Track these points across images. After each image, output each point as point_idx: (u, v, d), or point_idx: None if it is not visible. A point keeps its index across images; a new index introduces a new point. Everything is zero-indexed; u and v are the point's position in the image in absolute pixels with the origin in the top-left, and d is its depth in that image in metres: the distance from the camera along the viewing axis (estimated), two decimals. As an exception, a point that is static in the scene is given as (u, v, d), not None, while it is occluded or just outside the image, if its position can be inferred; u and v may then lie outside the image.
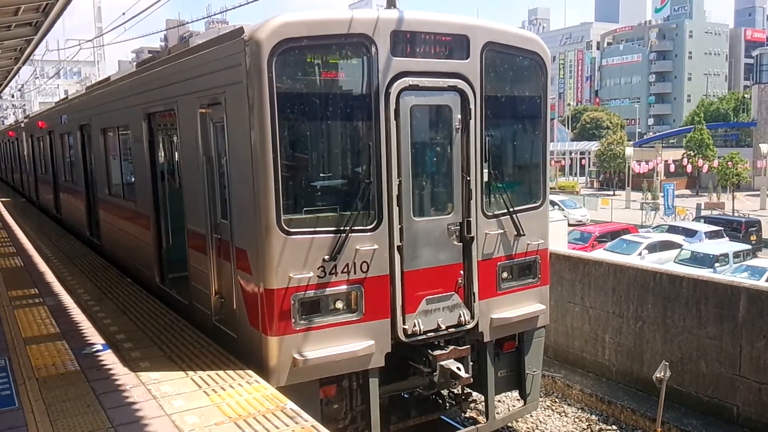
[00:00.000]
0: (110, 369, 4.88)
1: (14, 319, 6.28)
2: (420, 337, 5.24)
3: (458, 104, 5.31)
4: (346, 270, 4.89)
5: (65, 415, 4.10)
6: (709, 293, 7.26)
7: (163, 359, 5.07)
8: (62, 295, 7.25)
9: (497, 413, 6.20)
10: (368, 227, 4.98)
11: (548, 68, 5.96)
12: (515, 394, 6.99)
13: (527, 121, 6.07)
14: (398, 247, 5.08)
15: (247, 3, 9.44)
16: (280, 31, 4.56)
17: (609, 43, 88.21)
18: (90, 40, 24.18)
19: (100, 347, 5.39)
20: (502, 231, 5.65)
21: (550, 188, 6.51)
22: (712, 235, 22.42)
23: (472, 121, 5.35)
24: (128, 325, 5.99)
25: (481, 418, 6.98)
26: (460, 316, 5.42)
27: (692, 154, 43.86)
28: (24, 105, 51.19)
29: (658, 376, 6.24)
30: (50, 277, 8.22)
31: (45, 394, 4.44)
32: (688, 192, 45.65)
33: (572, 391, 8.39)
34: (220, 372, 4.77)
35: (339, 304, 4.90)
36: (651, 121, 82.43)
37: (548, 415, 8.03)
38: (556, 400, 8.42)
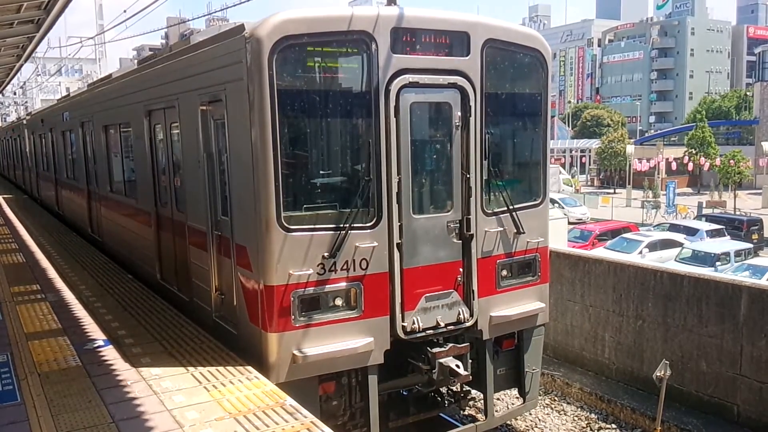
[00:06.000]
0: (111, 364, 4.91)
1: (16, 315, 6.32)
2: (419, 335, 5.25)
3: (458, 101, 5.31)
4: (345, 267, 4.90)
5: (67, 410, 4.13)
6: (710, 292, 7.27)
7: (164, 355, 5.09)
8: (64, 291, 7.28)
9: (496, 411, 6.22)
10: (368, 224, 4.99)
11: (549, 65, 5.95)
12: (514, 392, 7.00)
13: (527, 118, 6.07)
14: (398, 244, 5.09)
15: (248, 0, 9.44)
16: (280, 29, 4.57)
17: (610, 40, 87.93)
18: (91, 38, 24.19)
19: (101, 343, 5.42)
20: (501, 229, 5.65)
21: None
22: (713, 234, 22.36)
23: (472, 119, 5.35)
24: (129, 321, 6.01)
25: (480, 416, 7.01)
26: (459, 314, 5.43)
27: (694, 152, 43.72)
28: (26, 102, 51.25)
29: (658, 374, 6.25)
30: (52, 273, 8.25)
31: (47, 389, 4.47)
32: (689, 190, 45.54)
33: (572, 390, 8.40)
34: (221, 368, 4.79)
35: (338, 301, 4.91)
36: (652, 119, 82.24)
37: (547, 414, 8.05)
38: (556, 398, 8.43)
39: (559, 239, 11.59)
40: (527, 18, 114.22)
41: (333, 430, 3.92)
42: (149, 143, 7.06)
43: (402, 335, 5.17)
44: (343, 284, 4.92)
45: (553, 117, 40.54)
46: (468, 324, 5.50)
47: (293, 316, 4.76)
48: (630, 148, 42.12)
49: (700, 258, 17.96)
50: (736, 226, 24.69)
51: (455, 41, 5.27)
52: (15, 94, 49.93)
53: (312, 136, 5.02)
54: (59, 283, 7.65)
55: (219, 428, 3.86)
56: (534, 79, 5.95)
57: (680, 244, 19.86)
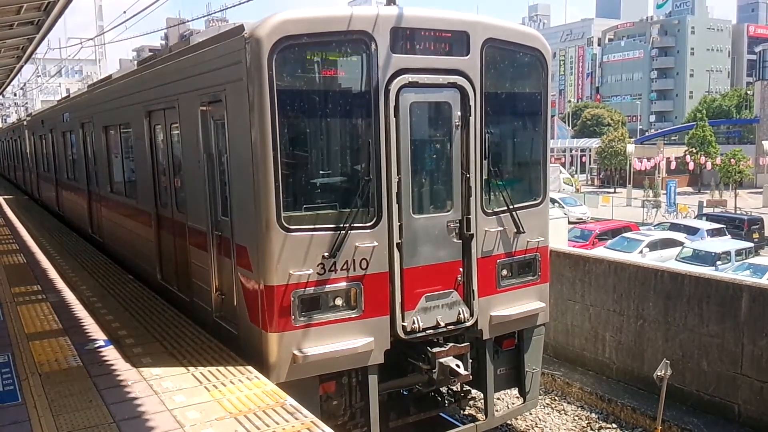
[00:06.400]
0: (112, 365, 4.91)
1: (17, 316, 6.32)
2: (419, 335, 5.26)
3: (458, 101, 5.31)
4: (345, 267, 4.91)
5: (68, 410, 4.14)
6: (711, 291, 7.26)
7: (165, 355, 5.10)
8: (64, 291, 7.29)
9: (496, 411, 6.22)
10: (368, 224, 4.99)
11: (549, 65, 5.95)
12: (514, 391, 7.00)
13: (527, 118, 6.06)
14: (398, 244, 5.09)
15: (247, 0, 9.46)
16: (280, 29, 4.57)
17: (610, 40, 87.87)
18: (91, 39, 24.21)
19: (102, 343, 5.43)
20: (501, 228, 5.65)
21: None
22: (714, 233, 22.34)
23: (471, 118, 5.35)
24: (130, 321, 6.02)
25: (480, 416, 7.01)
26: (459, 314, 5.43)
27: (694, 151, 43.70)
28: (26, 103, 51.34)
29: (658, 374, 6.24)
30: (53, 273, 8.26)
31: (48, 389, 4.48)
32: (690, 189, 45.51)
33: (572, 389, 8.40)
34: (221, 368, 4.80)
35: (338, 301, 4.92)
36: (653, 118, 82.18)
37: (548, 413, 8.05)
38: (556, 398, 8.43)
39: (559, 239, 11.57)
40: (527, 17, 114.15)
41: (333, 429, 3.92)
42: (149, 144, 7.06)
43: (402, 335, 5.18)
44: (343, 284, 4.92)
45: (553, 116, 40.50)
46: (468, 324, 5.50)
47: (293, 316, 4.76)
48: (630, 148, 42.09)
49: (700, 257, 17.94)
50: (736, 225, 24.66)
51: (455, 41, 5.27)
52: (15, 95, 50.00)
53: (312, 136, 5.02)
54: (60, 284, 7.66)
55: (219, 428, 3.87)
56: (534, 78, 5.94)
57: (681, 244, 19.85)
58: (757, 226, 24.99)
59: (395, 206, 5.04)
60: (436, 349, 5.34)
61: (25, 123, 19.93)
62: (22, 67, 16.62)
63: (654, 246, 19.42)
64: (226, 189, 5.28)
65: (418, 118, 5.23)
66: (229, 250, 5.31)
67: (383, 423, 5.42)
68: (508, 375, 6.23)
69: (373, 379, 5.16)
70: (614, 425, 7.64)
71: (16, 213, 15.36)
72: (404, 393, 6.02)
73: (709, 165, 41.30)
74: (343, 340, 4.92)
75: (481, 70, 5.36)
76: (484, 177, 5.51)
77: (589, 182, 52.46)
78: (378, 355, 5.09)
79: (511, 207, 5.65)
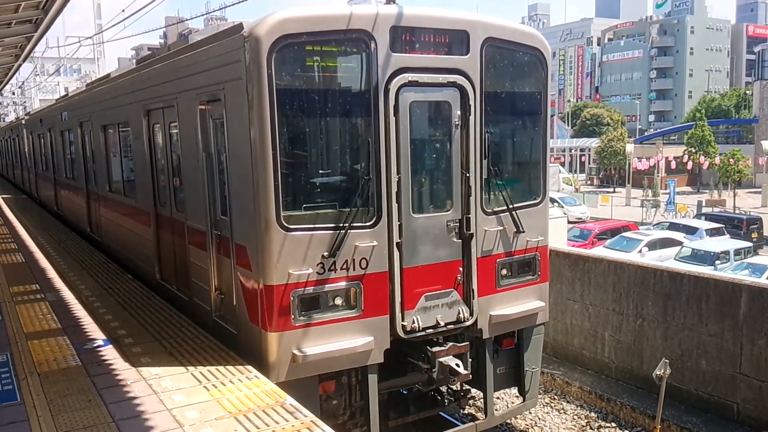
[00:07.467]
0: (111, 364, 4.91)
1: (16, 315, 6.31)
2: (419, 334, 5.25)
3: (458, 100, 5.30)
4: (345, 266, 4.90)
5: (67, 409, 4.13)
6: (710, 290, 7.27)
7: (164, 355, 5.09)
8: (63, 290, 7.27)
9: (496, 410, 6.22)
10: (367, 224, 4.98)
11: (548, 64, 5.95)
12: (514, 390, 7.00)
13: (527, 117, 6.06)
14: (397, 243, 5.08)
15: (248, -1, 9.45)
16: (279, 27, 4.56)
17: (609, 39, 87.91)
18: (90, 37, 24.15)
19: (101, 342, 5.42)
20: (501, 228, 5.65)
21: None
22: (713, 233, 22.38)
23: (471, 118, 5.35)
24: (129, 321, 6.01)
25: (480, 415, 7.01)
26: (459, 313, 5.43)
27: (693, 150, 43.76)
28: (24, 102, 51.29)
29: (658, 373, 6.25)
30: (51, 272, 8.25)
31: (47, 389, 4.47)
32: (689, 189, 45.56)
33: (571, 389, 8.41)
34: (221, 367, 4.79)
35: (338, 301, 4.91)
36: (652, 118, 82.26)
37: (547, 412, 8.05)
38: (555, 397, 8.44)
39: (558, 238, 11.59)
40: (527, 17, 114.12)
41: (333, 429, 3.91)
42: (148, 143, 7.05)
43: (402, 334, 5.17)
44: (342, 284, 4.92)
45: (552, 116, 40.44)
46: (468, 323, 5.50)
47: (293, 316, 4.76)
48: (629, 147, 42.12)
49: (699, 257, 17.96)
50: (735, 225, 24.70)
51: (455, 40, 5.27)
52: (14, 94, 49.95)
53: (311, 135, 5.01)
54: (58, 283, 7.64)
55: (219, 427, 3.86)
56: (534, 77, 5.94)
57: (680, 243, 19.87)
58: (755, 226, 25.02)
59: (395, 206, 5.03)
60: (435, 349, 5.33)
61: (23, 122, 19.89)
62: (20, 65, 16.58)
63: (653, 245, 19.43)
64: (225, 188, 5.27)
65: (418, 118, 5.22)
66: (228, 249, 5.31)
67: (383, 422, 5.41)
68: (508, 374, 6.23)
69: (372, 379, 5.16)
70: (613, 424, 7.64)
71: (14, 212, 15.33)
72: (404, 392, 6.02)
73: (707, 165, 41.32)
74: (343, 339, 4.91)
75: (480, 70, 5.36)
76: (484, 176, 5.51)
77: (589, 182, 52.47)
78: (378, 355, 5.09)
79: (510, 206, 5.65)
